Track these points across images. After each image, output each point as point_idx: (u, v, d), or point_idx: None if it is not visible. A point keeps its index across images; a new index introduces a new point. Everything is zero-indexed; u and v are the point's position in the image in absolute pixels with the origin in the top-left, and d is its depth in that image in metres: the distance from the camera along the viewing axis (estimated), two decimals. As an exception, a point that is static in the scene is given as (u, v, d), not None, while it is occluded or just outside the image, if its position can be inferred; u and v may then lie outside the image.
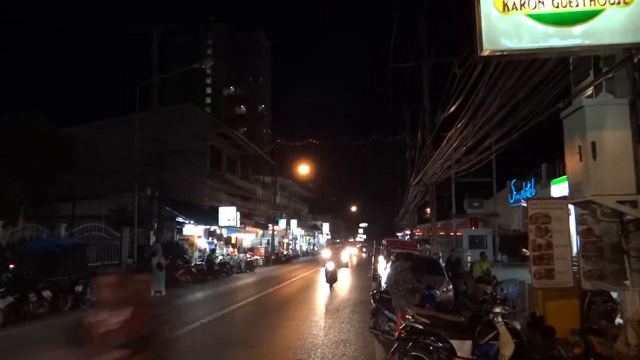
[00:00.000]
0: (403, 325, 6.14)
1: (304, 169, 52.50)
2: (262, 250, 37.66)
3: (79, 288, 12.30)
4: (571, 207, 7.72)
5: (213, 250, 24.43)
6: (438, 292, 8.33)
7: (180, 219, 26.28)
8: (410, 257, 7.86)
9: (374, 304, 8.17)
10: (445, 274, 12.25)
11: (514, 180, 31.39)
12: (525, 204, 30.90)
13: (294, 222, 53.88)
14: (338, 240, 64.43)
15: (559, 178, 25.11)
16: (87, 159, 30.63)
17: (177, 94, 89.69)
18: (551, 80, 13.89)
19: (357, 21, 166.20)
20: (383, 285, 12.27)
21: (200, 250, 26.15)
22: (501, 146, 15.80)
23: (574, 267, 7.70)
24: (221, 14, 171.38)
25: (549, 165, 28.02)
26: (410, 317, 6.09)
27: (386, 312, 7.82)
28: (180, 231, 25.84)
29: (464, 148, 16.18)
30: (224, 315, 12.84)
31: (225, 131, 40.12)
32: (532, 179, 28.16)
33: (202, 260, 23.36)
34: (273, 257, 39.07)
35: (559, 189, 25.66)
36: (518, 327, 5.53)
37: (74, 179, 33.49)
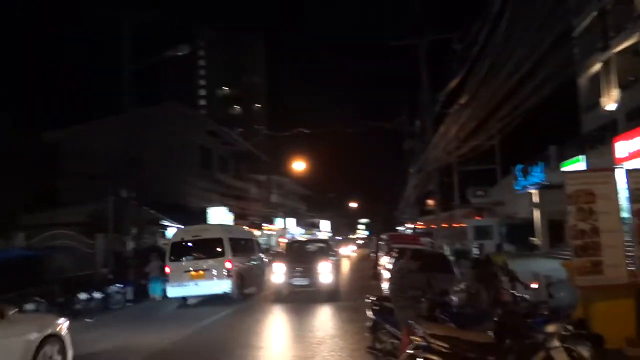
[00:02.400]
0: (410, 348, 4.45)
1: (300, 166, 50.76)
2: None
3: (30, 306, 10.59)
4: (621, 181, 5.99)
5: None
6: (454, 299, 6.61)
7: (165, 222, 24.55)
8: (417, 255, 6.13)
9: (372, 316, 6.47)
10: (456, 270, 10.50)
11: (519, 166, 29.68)
12: (533, 190, 29.40)
13: (291, 220, 52.18)
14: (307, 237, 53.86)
15: (571, 159, 23.42)
16: (75, 163, 29.25)
17: (171, 95, 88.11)
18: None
19: (354, 9, 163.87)
20: (384, 289, 10.56)
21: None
22: (509, 121, 14.16)
23: (628, 259, 5.97)
24: (215, 14, 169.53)
25: (559, 146, 26.37)
26: (419, 338, 4.39)
27: (388, 326, 6.10)
28: (163, 235, 24.11)
29: (470, 126, 14.58)
30: (205, 328, 11.19)
31: (215, 129, 38.43)
32: (541, 163, 26.46)
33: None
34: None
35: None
36: (586, 354, 3.81)
37: (61, 185, 32.20)
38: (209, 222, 29.20)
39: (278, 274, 15.23)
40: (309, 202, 75.70)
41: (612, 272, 5.76)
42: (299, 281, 14.87)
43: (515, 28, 10.81)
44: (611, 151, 19.31)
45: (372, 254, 24.54)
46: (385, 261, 14.65)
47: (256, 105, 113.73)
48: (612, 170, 5.92)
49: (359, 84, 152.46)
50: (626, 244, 5.85)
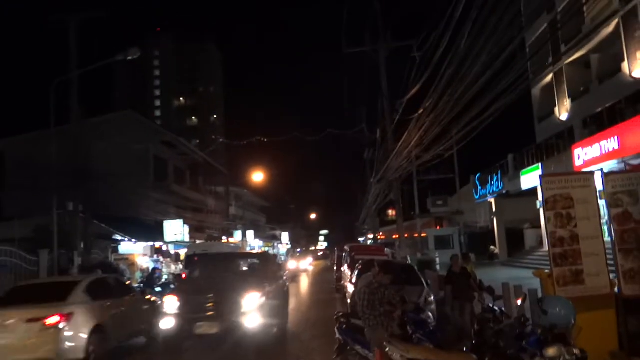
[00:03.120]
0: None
1: (259, 177, 49.94)
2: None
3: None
4: (599, 184, 5.69)
5: (154, 270, 21.56)
6: (431, 316, 6.12)
7: (118, 237, 23.33)
8: (386, 267, 5.62)
9: (339, 335, 5.90)
10: (424, 282, 10.05)
11: (478, 175, 29.97)
12: (491, 199, 29.67)
13: (250, 233, 51.15)
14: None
15: (529, 167, 23.73)
16: (20, 174, 27.60)
17: (124, 106, 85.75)
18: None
19: (309, 16, 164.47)
20: (350, 302, 10.02)
21: (142, 271, 23.22)
22: (469, 129, 14.10)
23: (609, 267, 5.65)
24: (170, 24, 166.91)
25: (516, 155, 26.70)
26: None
27: (358, 347, 5.56)
28: (116, 250, 22.89)
29: (431, 133, 14.35)
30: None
31: (170, 139, 37.25)
32: (499, 171, 26.72)
33: (141, 282, 20.51)
34: (228, 272, 36.17)
35: (530, 179, 24.24)
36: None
37: (5, 197, 30.32)
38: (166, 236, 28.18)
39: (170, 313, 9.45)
40: (268, 214, 74.84)
41: (593, 281, 5.43)
42: (204, 327, 9.05)
43: (473, 39, 10.91)
44: (568, 158, 19.58)
45: (334, 266, 24.04)
46: (348, 274, 14.16)
47: (213, 116, 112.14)
48: (591, 173, 5.61)
49: (318, 93, 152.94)
50: (607, 251, 5.53)
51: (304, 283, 30.48)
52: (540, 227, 25.84)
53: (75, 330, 7.97)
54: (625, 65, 20.72)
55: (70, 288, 8.70)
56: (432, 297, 9.17)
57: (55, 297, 8.33)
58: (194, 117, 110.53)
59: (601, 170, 5.49)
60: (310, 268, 44.51)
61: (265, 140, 29.76)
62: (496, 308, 5.86)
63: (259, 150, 73.18)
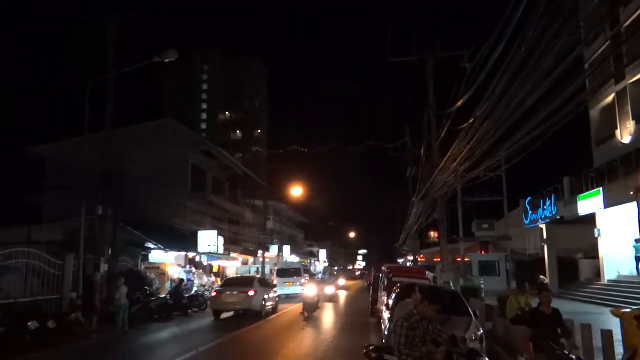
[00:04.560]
0: None
1: (298, 192, 49.31)
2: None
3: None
4: None
5: (182, 281, 20.86)
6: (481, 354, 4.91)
7: (149, 244, 22.82)
8: (432, 295, 4.44)
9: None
10: (472, 312, 8.70)
11: (529, 198, 28.07)
12: (542, 225, 27.65)
13: (287, 248, 50.32)
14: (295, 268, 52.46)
15: (588, 192, 21.78)
16: (60, 179, 27.74)
17: (172, 115, 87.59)
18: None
19: (354, 29, 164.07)
20: (385, 332, 8.81)
21: (172, 281, 22.60)
22: (519, 147, 12.90)
23: None
24: (217, 39, 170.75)
25: (573, 178, 24.76)
26: None
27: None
28: (146, 258, 22.35)
29: (479, 148, 13.15)
30: None
31: (209, 149, 37.03)
32: (552, 196, 24.83)
33: (169, 293, 19.82)
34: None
35: (588, 205, 22.32)
36: None
37: (45, 201, 30.59)
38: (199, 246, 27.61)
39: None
40: (307, 230, 73.93)
41: None
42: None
43: (528, 52, 10.06)
44: (633, 183, 17.75)
45: (370, 288, 22.69)
46: (385, 297, 12.93)
47: (257, 131, 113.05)
48: None
49: (362, 107, 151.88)
50: None
51: (339, 304, 29.20)
52: (596, 257, 23.79)
53: (257, 297, 18.82)
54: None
55: (253, 280, 20.60)
56: (482, 331, 7.85)
57: (247, 284, 19.56)
58: (238, 131, 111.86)
59: None
60: (340, 292, 37.32)
61: (305, 150, 28.74)
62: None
63: (299, 165, 72.69)
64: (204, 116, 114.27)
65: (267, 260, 43.95)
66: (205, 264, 29.41)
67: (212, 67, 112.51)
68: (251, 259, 43.43)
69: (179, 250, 25.65)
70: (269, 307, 19.81)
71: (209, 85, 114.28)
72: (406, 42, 18.41)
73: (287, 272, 32.71)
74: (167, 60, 16.89)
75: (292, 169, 63.76)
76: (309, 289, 20.17)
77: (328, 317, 19.80)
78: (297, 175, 63.71)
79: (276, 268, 36.40)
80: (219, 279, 30.00)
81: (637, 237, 21.39)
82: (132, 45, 18.22)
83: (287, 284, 30.98)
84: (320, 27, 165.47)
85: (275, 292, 22.32)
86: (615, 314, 5.87)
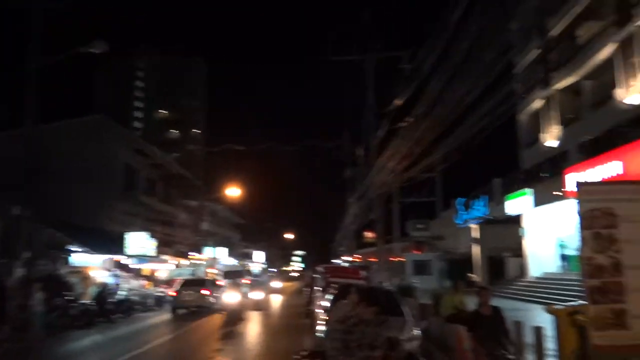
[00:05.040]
0: None
1: (235, 193, 48.21)
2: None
3: None
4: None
5: (105, 285, 19.73)
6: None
7: (73, 247, 21.44)
8: (370, 295, 4.17)
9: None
10: (408, 312, 8.60)
11: (461, 199, 28.85)
12: (473, 225, 28.51)
13: (222, 250, 49.22)
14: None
15: (516, 193, 22.66)
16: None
17: (105, 113, 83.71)
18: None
19: (297, 29, 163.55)
20: (320, 335, 8.53)
21: (98, 285, 21.30)
22: (451, 149, 13.20)
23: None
24: (155, 37, 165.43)
25: (503, 180, 25.68)
26: None
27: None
28: (68, 261, 20.97)
29: (415, 149, 13.29)
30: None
31: (142, 147, 35.55)
32: (483, 196, 25.63)
33: (94, 299, 18.63)
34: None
35: (515, 205, 23.21)
36: None
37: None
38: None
39: None
40: (243, 231, 72.73)
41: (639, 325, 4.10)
42: None
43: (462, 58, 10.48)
44: (558, 185, 18.55)
45: (305, 289, 22.40)
46: (321, 297, 12.67)
47: (194, 130, 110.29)
48: (640, 183, 4.32)
49: (301, 107, 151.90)
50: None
51: (273, 306, 28.75)
52: (521, 256, 24.75)
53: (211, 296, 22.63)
54: (618, 92, 19.95)
55: (205, 281, 25.44)
56: (418, 331, 7.75)
57: (201, 284, 23.86)
58: (174, 130, 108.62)
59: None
60: (274, 297, 34.01)
61: (241, 148, 28.19)
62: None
63: (237, 166, 71.47)
64: (139, 114, 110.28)
65: (201, 262, 42.77)
66: (134, 267, 28.06)
67: (148, 65, 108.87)
68: (185, 262, 42.11)
69: (106, 253, 24.31)
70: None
71: (145, 83, 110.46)
72: (348, 41, 18.36)
73: (233, 274, 36.37)
74: (96, 52, 15.83)
75: (230, 169, 62.57)
76: (230, 296, 17.51)
77: (262, 321, 19.34)
78: (234, 176, 62.53)
79: (217, 270, 38.72)
80: (149, 283, 28.76)
81: (561, 236, 22.48)
82: (65, 39, 16.96)
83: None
84: (263, 28, 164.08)
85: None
86: (549, 311, 5.88)
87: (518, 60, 27.27)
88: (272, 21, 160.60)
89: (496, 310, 5.99)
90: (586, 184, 5.04)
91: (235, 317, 16.34)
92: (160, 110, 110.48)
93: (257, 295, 25.43)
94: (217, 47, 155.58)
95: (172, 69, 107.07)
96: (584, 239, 4.18)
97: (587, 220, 4.21)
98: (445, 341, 9.00)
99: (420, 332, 8.12)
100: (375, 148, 16.05)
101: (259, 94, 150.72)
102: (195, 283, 24.28)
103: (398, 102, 14.33)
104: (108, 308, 18.05)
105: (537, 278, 22.99)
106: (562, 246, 21.77)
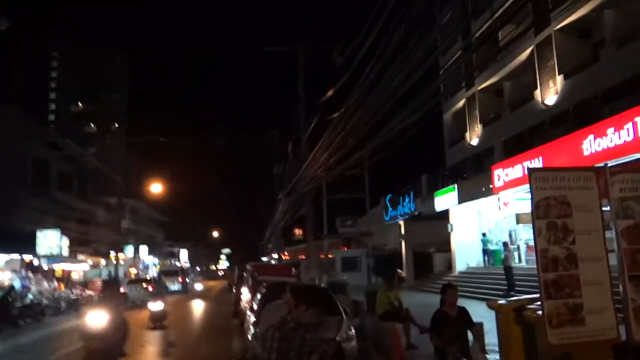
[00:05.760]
0: None
1: (158, 189, 46.02)
2: (100, 284, 30.85)
3: None
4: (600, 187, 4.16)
5: (12, 288, 18.00)
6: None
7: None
8: (308, 296, 3.63)
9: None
10: (343, 311, 8.18)
11: (389, 196, 29.10)
12: (401, 221, 28.88)
13: (144, 248, 47.04)
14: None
15: (444, 189, 23.05)
16: None
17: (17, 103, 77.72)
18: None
19: (225, 18, 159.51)
20: (249, 337, 7.93)
21: (2, 288, 19.38)
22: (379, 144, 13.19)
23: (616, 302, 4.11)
24: (74, 27, 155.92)
25: (430, 176, 26.09)
26: None
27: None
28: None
29: (344, 143, 13.06)
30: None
31: (55, 140, 33.10)
32: (411, 193, 25.93)
33: (-2, 302, 16.87)
34: (114, 291, 32.32)
35: (444, 201, 23.63)
36: None
37: None
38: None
39: None
40: (167, 229, 70.15)
41: (596, 321, 3.86)
42: None
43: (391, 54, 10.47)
44: (483, 181, 19.00)
45: (232, 288, 21.56)
46: (250, 297, 12.04)
47: (114, 124, 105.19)
48: (594, 170, 4.09)
49: (234, 101, 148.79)
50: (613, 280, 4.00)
51: (199, 305, 27.69)
52: (448, 251, 25.28)
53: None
54: (537, 93, 20.75)
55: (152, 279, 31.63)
56: (353, 331, 7.35)
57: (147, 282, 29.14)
58: (92, 124, 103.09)
59: (605, 165, 3.97)
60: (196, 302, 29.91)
61: (163, 140, 26.83)
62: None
63: (161, 162, 68.83)
64: (53, 106, 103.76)
65: (121, 262, 40.53)
66: (45, 267, 25.97)
67: (64, 55, 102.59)
68: (103, 261, 39.77)
69: (14, 253, 22.24)
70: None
71: (60, 74, 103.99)
72: (283, 33, 17.80)
73: (170, 272, 43.16)
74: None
75: (154, 166, 60.10)
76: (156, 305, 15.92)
77: (188, 321, 18.38)
78: (158, 173, 60.14)
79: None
80: (62, 285, 26.72)
81: (484, 231, 23.13)
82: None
83: (168, 281, 39.13)
84: (194, 19, 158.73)
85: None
86: (491, 307, 5.64)
87: (443, 61, 27.95)
88: (203, 12, 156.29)
89: (462, 311, 5.63)
90: (538, 170, 4.81)
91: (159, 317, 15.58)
92: (77, 103, 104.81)
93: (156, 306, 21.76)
94: (144, 41, 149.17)
95: (92, 61, 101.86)
96: (538, 230, 3.89)
97: (542, 209, 3.93)
98: (380, 339, 8.68)
99: (354, 331, 7.71)
100: (305, 141, 15.60)
101: (189, 87, 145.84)
102: (142, 280, 30.25)
103: (327, 96, 14.04)
104: (14, 313, 16.40)
105: (461, 273, 23.55)
106: (484, 241, 22.41)
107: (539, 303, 4.69)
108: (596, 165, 4.27)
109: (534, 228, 3.91)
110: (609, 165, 4.19)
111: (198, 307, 26.78)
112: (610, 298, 3.94)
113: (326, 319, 6.29)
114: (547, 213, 3.91)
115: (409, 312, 8.77)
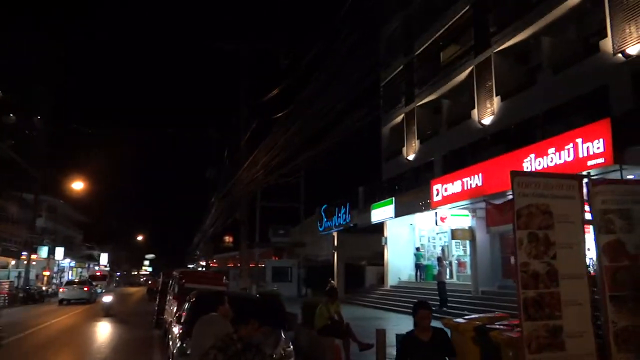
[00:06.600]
0: None
1: (79, 186, 43.14)
2: (7, 286, 28.34)
3: None
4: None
5: None
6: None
7: None
8: (260, 309, 2.95)
9: None
10: (281, 322, 7.52)
11: (324, 206, 28.74)
12: (335, 233, 28.59)
13: (60, 249, 43.98)
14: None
15: (382, 202, 22.91)
16: None
17: None
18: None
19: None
20: (173, 352, 7.10)
21: None
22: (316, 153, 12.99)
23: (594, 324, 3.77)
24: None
25: (367, 188, 25.97)
26: None
27: None
28: None
29: (282, 149, 12.64)
30: None
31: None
32: (347, 204, 25.68)
33: None
34: (22, 294, 29.80)
35: (380, 213, 23.48)
36: None
37: None
38: None
39: None
40: (87, 230, 66.21)
41: (575, 346, 3.49)
42: None
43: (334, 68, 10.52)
44: (421, 195, 19.01)
45: (155, 296, 20.19)
46: (175, 306, 11.09)
47: (37, 117, 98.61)
48: (579, 177, 3.74)
49: (172, 98, 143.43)
50: (595, 297, 3.66)
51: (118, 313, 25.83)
52: (380, 264, 25.18)
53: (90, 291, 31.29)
54: (474, 112, 21.15)
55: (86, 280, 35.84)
56: (292, 347, 6.71)
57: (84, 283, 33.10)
58: (12, 115, 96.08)
59: (587, 174, 3.63)
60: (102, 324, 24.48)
61: (86, 130, 25.12)
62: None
63: (85, 160, 64.93)
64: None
65: (34, 263, 37.56)
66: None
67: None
68: (12, 262, 36.70)
69: None
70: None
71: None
72: (228, 31, 17.12)
73: (98, 277, 45.99)
74: None
75: (77, 163, 56.74)
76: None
77: (104, 332, 16.95)
78: (81, 170, 56.83)
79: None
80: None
81: (417, 246, 23.22)
82: None
83: (98, 285, 39.23)
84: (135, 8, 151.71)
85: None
86: (446, 325, 5.21)
87: (384, 76, 28.19)
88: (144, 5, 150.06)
89: (439, 335, 4.28)
90: (521, 173, 4.45)
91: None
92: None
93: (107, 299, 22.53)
94: (83, 31, 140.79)
95: (12, 44, 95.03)
96: (519, 241, 3.49)
97: (524, 218, 3.53)
98: (316, 355, 8.10)
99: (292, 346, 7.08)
100: (244, 144, 14.90)
101: (132, 85, 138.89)
102: (79, 282, 33.42)
103: (267, 99, 13.65)
104: None
105: (393, 287, 23.49)
106: (417, 256, 22.48)
107: (500, 322, 4.29)
108: (579, 174, 3.95)
109: (515, 239, 3.48)
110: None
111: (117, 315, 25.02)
112: (590, 320, 3.58)
113: (272, 338, 5.65)
114: (529, 223, 3.52)
115: (350, 327, 8.26)
